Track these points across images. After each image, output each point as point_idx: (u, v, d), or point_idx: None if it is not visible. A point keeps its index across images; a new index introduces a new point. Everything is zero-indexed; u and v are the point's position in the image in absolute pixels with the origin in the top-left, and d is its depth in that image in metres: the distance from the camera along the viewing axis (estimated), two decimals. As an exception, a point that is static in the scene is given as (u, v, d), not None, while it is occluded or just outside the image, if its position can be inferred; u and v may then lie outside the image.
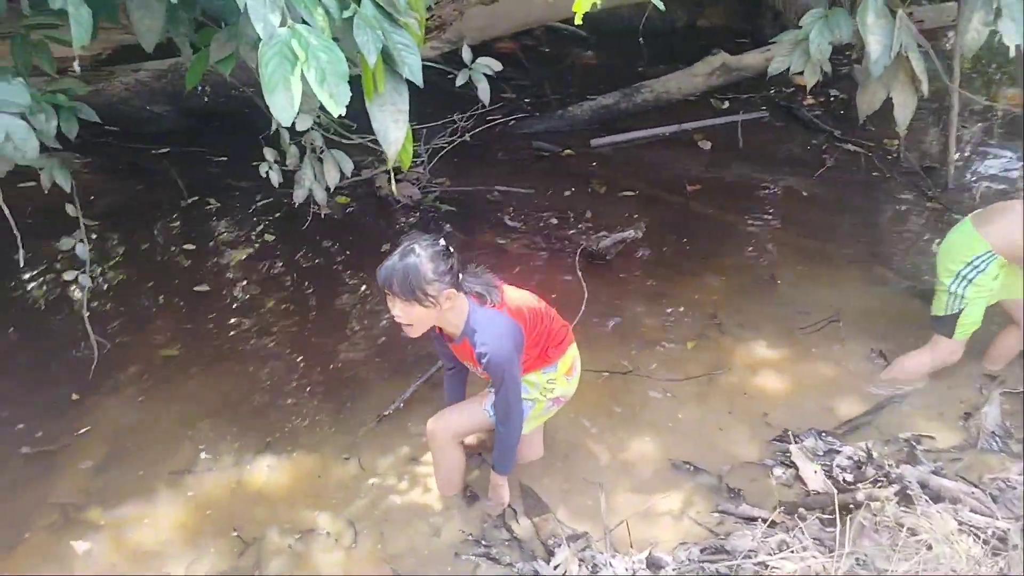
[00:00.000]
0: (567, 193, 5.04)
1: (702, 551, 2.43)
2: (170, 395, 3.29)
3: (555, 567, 2.37)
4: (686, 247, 4.42)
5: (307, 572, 2.50)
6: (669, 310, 3.84)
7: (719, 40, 7.03)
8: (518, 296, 2.48)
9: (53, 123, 2.84)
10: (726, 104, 6.26)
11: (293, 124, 3.09)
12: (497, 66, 3.02)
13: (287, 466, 2.93)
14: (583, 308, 3.74)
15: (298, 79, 2.02)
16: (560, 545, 2.45)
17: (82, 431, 3.06)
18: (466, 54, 3.05)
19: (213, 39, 2.74)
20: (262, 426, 3.12)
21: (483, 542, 2.57)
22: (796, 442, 2.87)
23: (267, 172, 3.34)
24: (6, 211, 2.47)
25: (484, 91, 3.01)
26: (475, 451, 2.94)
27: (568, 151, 5.63)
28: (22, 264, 2.64)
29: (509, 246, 4.47)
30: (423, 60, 2.37)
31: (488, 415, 2.55)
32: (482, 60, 3.01)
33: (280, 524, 2.68)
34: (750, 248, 4.39)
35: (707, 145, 5.65)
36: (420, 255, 2.25)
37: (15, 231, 2.59)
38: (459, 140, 5.28)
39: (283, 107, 2.02)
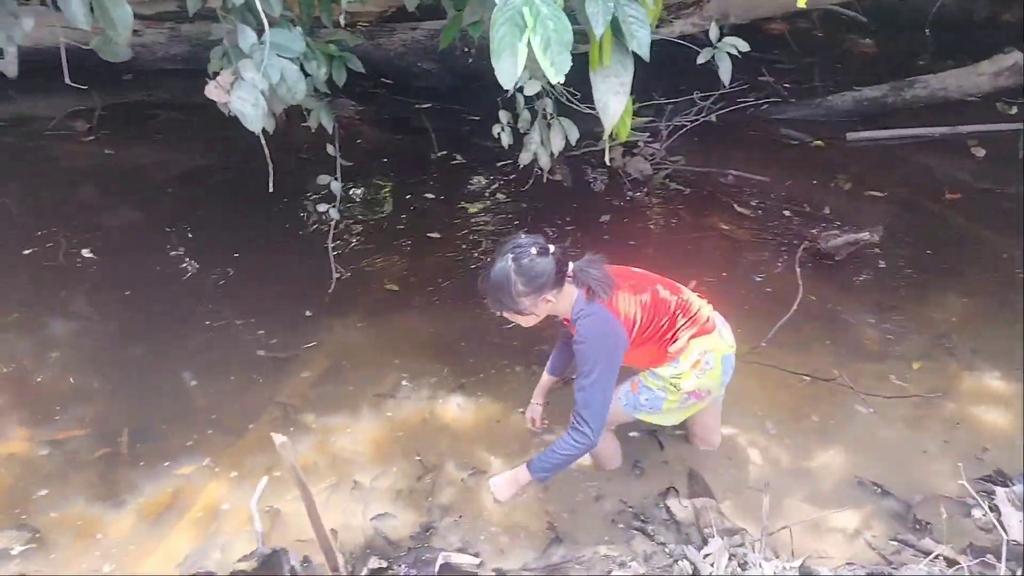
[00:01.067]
0: (807, 186, 4.79)
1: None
2: (387, 326, 3.62)
3: (705, 556, 2.35)
4: (928, 259, 4.05)
5: (473, 507, 2.68)
6: (895, 323, 3.57)
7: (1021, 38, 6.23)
8: (634, 292, 2.39)
9: (323, 70, 3.20)
10: (1014, 110, 5.56)
11: (522, 88, 3.25)
12: (744, 46, 2.93)
13: (473, 408, 3.13)
14: (795, 306, 3.58)
15: (524, 45, 2.12)
16: (715, 536, 2.42)
17: (309, 345, 3.47)
18: (713, 32, 2.99)
19: (468, 3, 2.93)
20: (460, 369, 3.34)
21: (641, 516, 2.60)
22: (1007, 485, 2.58)
23: (499, 133, 3.52)
24: (263, 141, 2.83)
25: (725, 71, 2.95)
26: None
27: (818, 142, 5.33)
28: (271, 189, 3.01)
29: (733, 232, 4.35)
30: (676, 36, 2.38)
31: (621, 404, 2.54)
32: (729, 39, 2.95)
33: (458, 459, 2.89)
34: (1003, 270, 3.92)
35: (981, 152, 5.08)
36: (511, 266, 2.26)
37: (269, 161, 2.95)
38: (702, 120, 5.18)
39: (507, 71, 2.14)
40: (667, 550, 2.44)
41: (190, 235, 4.24)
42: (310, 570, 2.43)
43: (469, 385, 3.25)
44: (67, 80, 2.72)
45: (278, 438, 2.09)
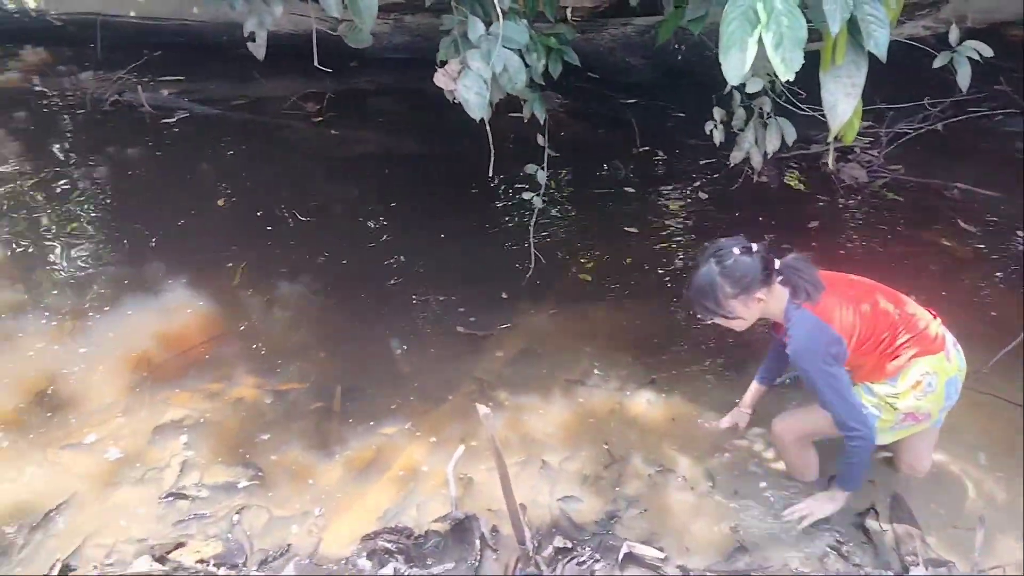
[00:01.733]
0: (1047, 205, 4.36)
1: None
2: (579, 315, 3.68)
3: (905, 586, 2.23)
4: None
5: (658, 502, 2.68)
6: None
7: None
8: (852, 301, 2.26)
9: (542, 62, 3.31)
10: None
11: (744, 86, 3.19)
12: (987, 51, 2.73)
13: (663, 405, 3.12)
14: (1021, 336, 3.27)
15: (755, 41, 2.09)
16: (918, 565, 2.28)
17: (504, 326, 3.60)
18: (953, 34, 2.82)
19: (691, -1, 2.93)
20: (651, 364, 3.34)
21: (836, 534, 2.50)
22: None
23: (711, 130, 3.48)
24: (488, 130, 2.97)
25: (964, 77, 2.76)
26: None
27: (1062, 159, 4.82)
28: (490, 174, 3.15)
29: (956, 249, 4.04)
30: (905, 38, 2.27)
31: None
32: (969, 43, 2.75)
33: (645, 453, 2.89)
34: None
35: None
36: (716, 269, 2.21)
37: (491, 147, 3.10)
38: (927, 127, 4.84)
39: (735, 67, 2.11)
40: (862, 572, 2.33)
41: (401, 214, 4.51)
42: (498, 539, 2.53)
43: (660, 381, 3.24)
44: (316, 63, 2.99)
45: (482, 409, 2.20)
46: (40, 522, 2.63)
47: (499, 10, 2.72)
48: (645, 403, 3.13)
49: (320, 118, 5.54)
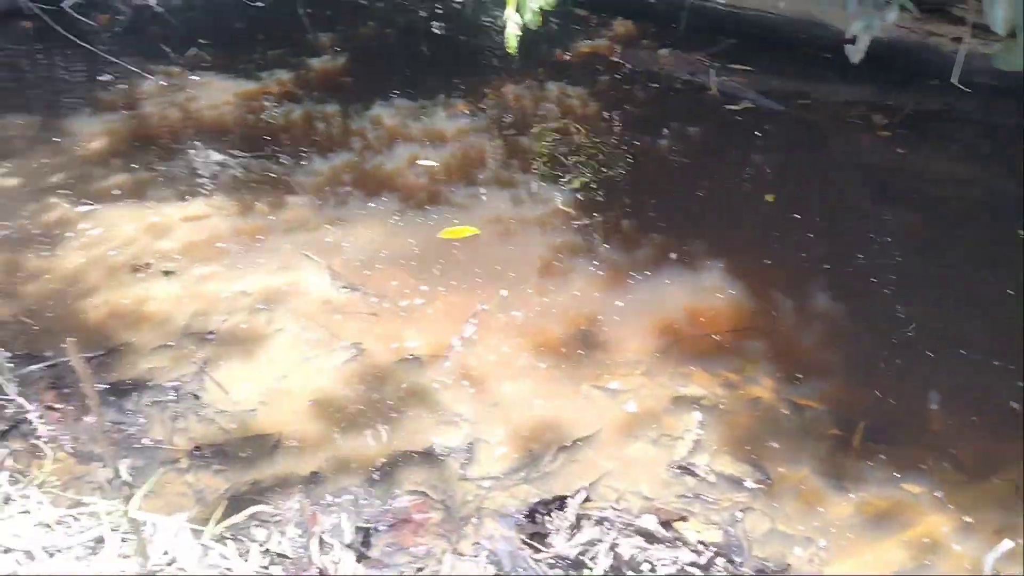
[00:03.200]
0: None
1: None
2: None
3: None
4: None
5: None
6: None
7: None
8: None
9: None
10: None
11: None
12: None
13: None
14: None
15: None
16: None
17: None
18: None
19: None
20: None
21: None
22: None
23: None
24: None
25: None
26: None
27: None
28: None
29: None
30: None
31: None
32: None
33: None
34: None
35: None
36: None
37: None
38: None
39: None
40: None
41: (950, 257, 4.03)
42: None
43: None
44: (954, 80, 2.74)
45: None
46: (568, 446, 2.93)
47: None
48: None
49: (888, 133, 5.18)
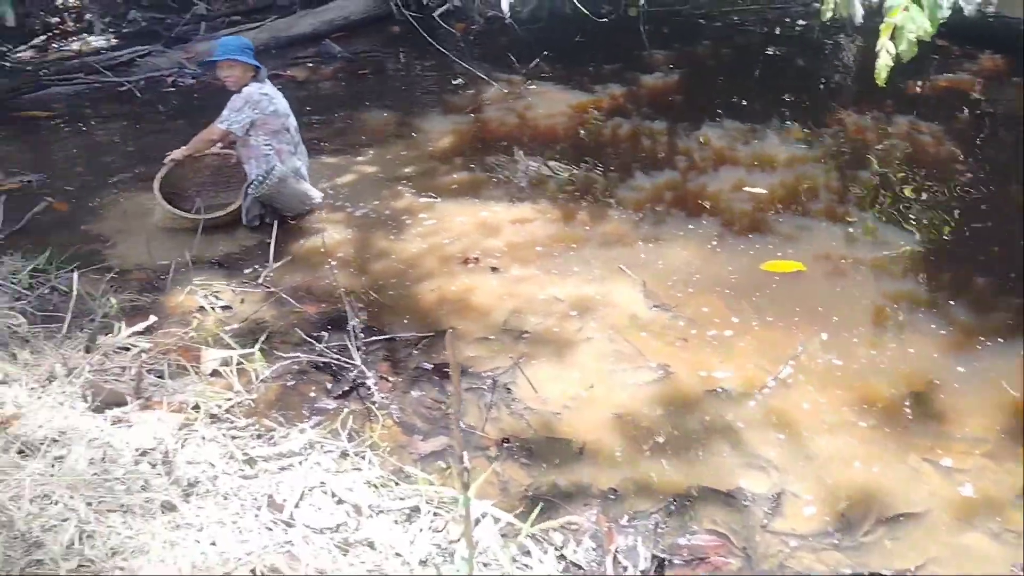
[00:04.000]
0: None
1: None
2: None
3: None
4: None
5: None
6: None
7: None
8: None
9: None
10: None
11: None
12: None
13: None
14: None
15: None
16: None
17: None
18: None
19: None
20: None
21: None
22: None
23: None
24: None
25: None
26: None
27: None
28: None
29: None
30: None
31: None
32: None
33: None
34: None
35: None
36: None
37: None
38: None
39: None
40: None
41: None
42: None
43: None
44: None
45: None
46: (889, 519, 2.63)
47: None
48: None
49: None
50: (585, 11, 5.91)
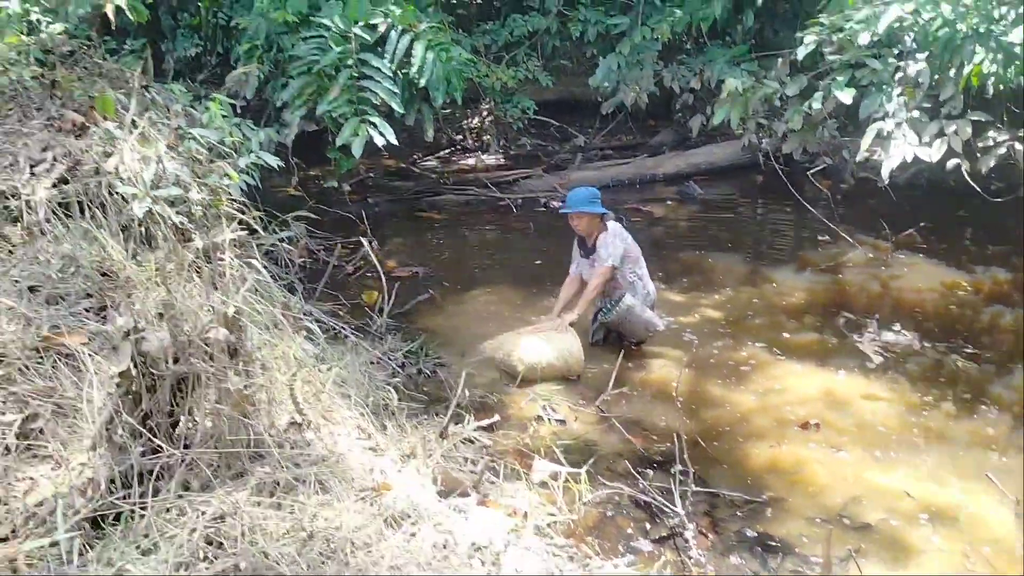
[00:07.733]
0: None
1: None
2: None
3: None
4: None
5: None
6: None
7: None
8: None
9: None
10: None
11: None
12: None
13: None
14: None
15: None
16: None
17: None
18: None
19: None
20: None
21: None
22: None
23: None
24: None
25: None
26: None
27: None
28: None
29: None
30: None
31: None
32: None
33: None
34: None
35: None
36: None
37: None
38: None
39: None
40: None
41: None
42: None
43: None
44: None
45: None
46: None
47: None
48: None
49: None
50: (976, 186, 5.46)
